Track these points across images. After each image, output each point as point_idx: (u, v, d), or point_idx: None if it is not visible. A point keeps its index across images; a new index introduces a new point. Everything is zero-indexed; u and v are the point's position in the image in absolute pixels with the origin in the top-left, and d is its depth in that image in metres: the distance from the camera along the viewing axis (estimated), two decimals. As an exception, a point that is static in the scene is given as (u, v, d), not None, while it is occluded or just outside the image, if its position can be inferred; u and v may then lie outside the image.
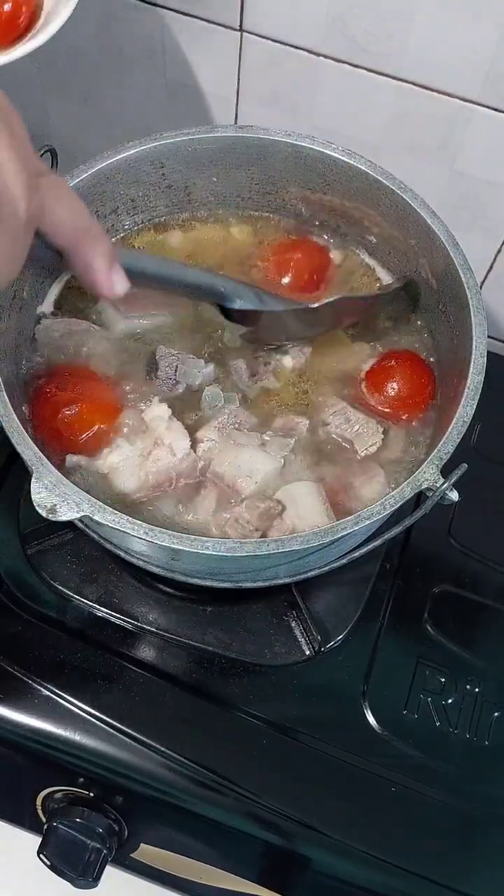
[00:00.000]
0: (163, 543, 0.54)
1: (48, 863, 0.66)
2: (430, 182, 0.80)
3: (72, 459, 0.63)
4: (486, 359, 0.60)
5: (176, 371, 0.67)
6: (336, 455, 0.66)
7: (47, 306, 0.71)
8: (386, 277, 0.75)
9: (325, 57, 0.75)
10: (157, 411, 0.65)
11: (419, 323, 0.73)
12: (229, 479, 0.63)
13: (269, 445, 0.65)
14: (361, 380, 0.70)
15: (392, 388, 0.68)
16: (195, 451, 0.64)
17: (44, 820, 0.69)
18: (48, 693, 0.65)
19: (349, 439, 0.66)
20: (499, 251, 0.85)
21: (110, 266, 0.50)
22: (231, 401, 0.67)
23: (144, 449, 0.64)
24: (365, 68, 0.75)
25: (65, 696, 0.65)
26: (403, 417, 0.68)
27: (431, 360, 0.71)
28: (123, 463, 0.63)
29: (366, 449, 0.66)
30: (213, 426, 0.66)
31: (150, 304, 0.71)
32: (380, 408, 0.68)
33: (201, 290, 0.62)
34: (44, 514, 0.53)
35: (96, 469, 0.63)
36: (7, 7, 0.65)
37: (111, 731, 0.64)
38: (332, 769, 0.64)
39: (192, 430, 0.65)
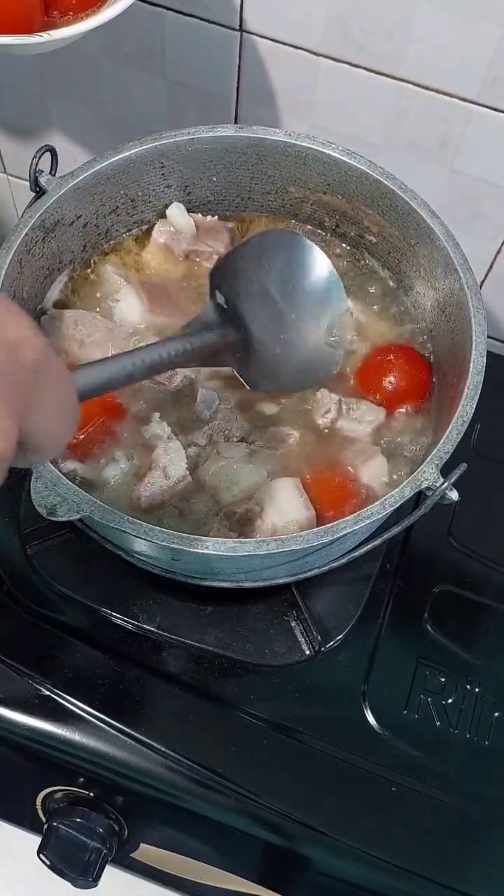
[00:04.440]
0: (163, 543, 0.54)
1: (48, 863, 0.65)
2: (430, 182, 0.80)
3: (67, 466, 0.63)
4: (486, 359, 0.60)
5: None
6: (334, 445, 0.66)
7: (48, 305, 0.71)
8: (385, 276, 0.75)
9: (325, 57, 0.75)
10: (156, 429, 0.65)
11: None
12: (210, 487, 0.63)
13: (256, 457, 0.65)
14: (357, 375, 0.70)
15: (389, 382, 0.68)
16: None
17: (44, 820, 0.69)
18: (48, 693, 0.65)
19: (347, 426, 0.66)
20: (499, 251, 0.85)
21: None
22: (226, 401, 0.67)
23: (140, 468, 0.63)
24: (365, 68, 0.75)
25: (65, 696, 0.65)
26: (401, 411, 0.68)
27: (431, 360, 0.71)
28: (117, 479, 0.63)
29: (366, 426, 0.66)
30: (203, 432, 0.65)
31: (176, 310, 0.70)
32: (377, 401, 0.68)
33: (165, 363, 0.55)
34: (44, 514, 0.53)
35: (90, 479, 0.63)
36: None
37: (111, 731, 0.64)
38: (332, 769, 0.64)
39: (185, 431, 0.65)
